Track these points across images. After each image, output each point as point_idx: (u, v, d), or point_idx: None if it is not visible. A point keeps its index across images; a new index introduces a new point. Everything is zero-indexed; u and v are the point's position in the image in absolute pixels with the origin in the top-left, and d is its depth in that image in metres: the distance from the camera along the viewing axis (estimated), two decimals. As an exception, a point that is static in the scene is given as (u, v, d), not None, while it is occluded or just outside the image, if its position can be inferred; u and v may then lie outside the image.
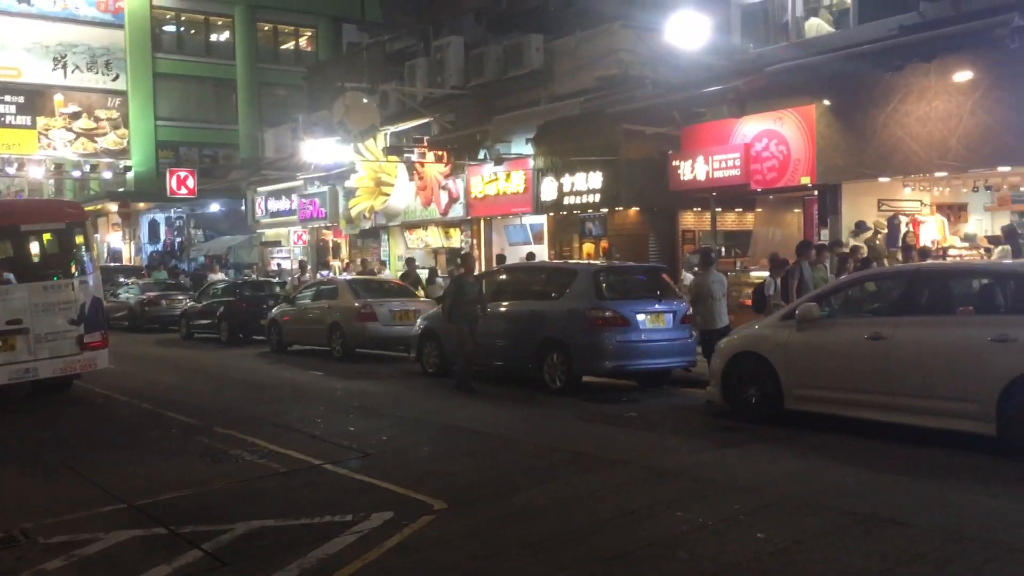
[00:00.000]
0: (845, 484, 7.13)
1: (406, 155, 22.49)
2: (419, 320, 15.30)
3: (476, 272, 13.26)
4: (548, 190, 19.84)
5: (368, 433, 9.80)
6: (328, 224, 29.07)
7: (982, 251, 15.06)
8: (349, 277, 21.61)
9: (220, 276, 27.54)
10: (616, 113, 17.10)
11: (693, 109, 16.86)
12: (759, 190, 16.09)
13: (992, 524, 5.96)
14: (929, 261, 12.22)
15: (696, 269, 15.34)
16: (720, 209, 17.68)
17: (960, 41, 12.46)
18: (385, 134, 24.47)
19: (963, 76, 13.11)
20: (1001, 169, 13.72)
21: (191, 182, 35.73)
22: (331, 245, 30.15)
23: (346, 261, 28.22)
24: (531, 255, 19.53)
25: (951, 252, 15.22)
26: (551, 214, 20.45)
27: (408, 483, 7.43)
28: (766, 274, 13.16)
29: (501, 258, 21.02)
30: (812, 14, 15.97)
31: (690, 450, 8.64)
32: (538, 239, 21.63)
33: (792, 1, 15.81)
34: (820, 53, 14.35)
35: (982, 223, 16.46)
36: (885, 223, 15.36)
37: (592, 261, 17.74)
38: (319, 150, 24.69)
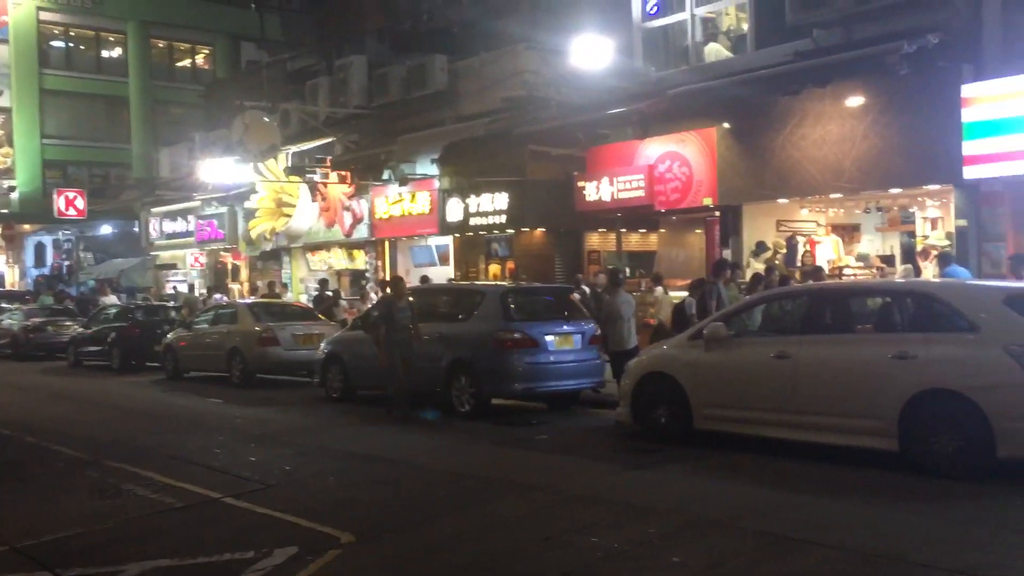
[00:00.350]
0: (757, 504, 7.14)
1: (308, 175, 22.06)
2: (323, 344, 14.92)
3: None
4: (454, 211, 19.71)
5: (270, 463, 9.42)
6: (227, 246, 28.28)
7: (874, 270, 15.58)
8: (249, 300, 21.03)
9: (112, 300, 26.46)
10: (522, 134, 17.12)
11: (597, 131, 17.02)
12: (663, 211, 16.30)
13: (903, 541, 6.02)
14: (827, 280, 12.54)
15: (584, 287, 15.43)
16: (625, 230, 17.86)
17: (852, 67, 12.86)
18: (287, 154, 23.96)
19: (856, 101, 13.56)
20: (892, 191, 14.21)
21: (80, 203, 34.31)
22: (230, 267, 29.32)
23: (246, 283, 27.50)
24: (425, 278, 19.38)
25: (846, 272, 15.69)
26: (457, 235, 20.33)
27: (314, 515, 7.12)
28: (656, 290, 13.29)
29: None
30: (711, 39, 16.33)
31: (602, 473, 8.57)
32: (444, 260, 21.47)
33: (691, 26, 16.13)
34: (719, 77, 14.66)
35: (874, 243, 17.05)
36: (784, 243, 15.75)
37: (499, 282, 17.66)
38: (217, 170, 24.01)
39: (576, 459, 9.30)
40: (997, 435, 7.30)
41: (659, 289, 15.01)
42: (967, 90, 12.21)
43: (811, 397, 8.45)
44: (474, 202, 19.21)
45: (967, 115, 12.18)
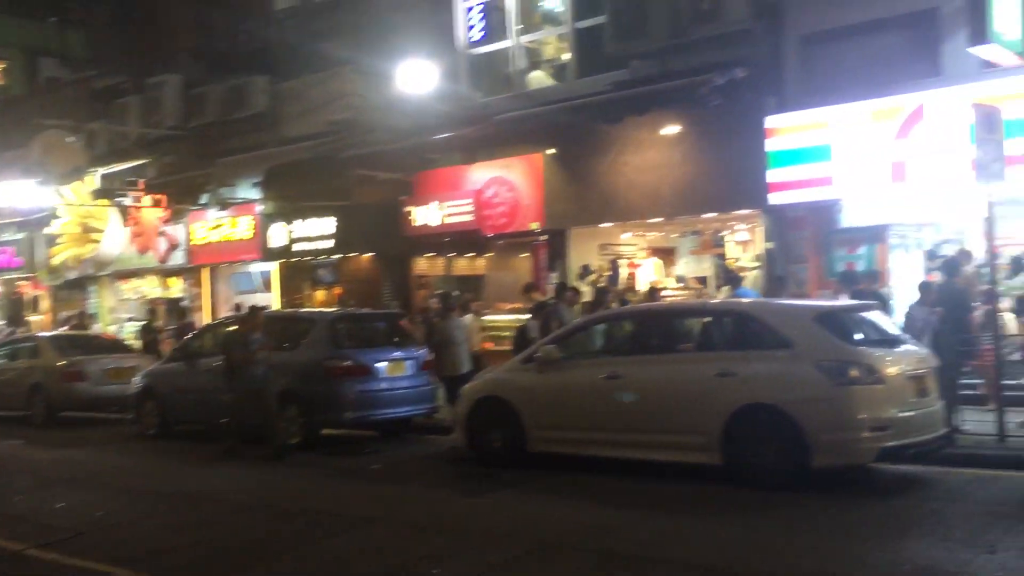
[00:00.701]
0: (595, 524, 7.22)
1: (118, 199, 20.85)
2: (136, 377, 14.07)
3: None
4: (278, 236, 19.17)
5: (80, 508, 8.71)
6: (25, 274, 26.25)
7: (692, 291, 16.31)
8: (51, 334, 19.57)
9: None
10: (348, 158, 16.86)
11: (425, 155, 17.00)
12: (491, 235, 16.45)
13: (735, 553, 6.24)
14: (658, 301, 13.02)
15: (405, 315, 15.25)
16: (454, 254, 17.90)
17: (668, 97, 13.46)
18: (95, 176, 22.54)
19: (672, 130, 14.20)
20: (706, 215, 14.94)
21: None
22: (29, 298, 27.20)
23: (47, 314, 25.58)
24: (238, 307, 18.78)
25: (665, 293, 16.34)
26: (281, 261, 19.75)
27: (131, 563, 6.63)
28: (465, 316, 13.25)
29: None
30: (534, 67, 16.68)
31: (439, 501, 8.46)
32: (267, 287, 20.78)
33: (515, 54, 16.42)
34: (543, 104, 14.99)
35: (690, 265, 17.88)
36: (608, 266, 16.24)
37: (326, 309, 17.26)
38: (14, 193, 22.22)
39: (412, 488, 9.14)
40: (812, 446, 7.74)
41: (468, 316, 14.55)
42: (771, 121, 13.01)
43: (641, 416, 8.69)
44: (299, 227, 18.75)
45: (771, 144, 12.98)
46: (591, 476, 8.91)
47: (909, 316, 10.04)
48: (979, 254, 11.94)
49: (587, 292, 14.60)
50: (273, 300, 19.92)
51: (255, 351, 11.41)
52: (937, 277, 11.78)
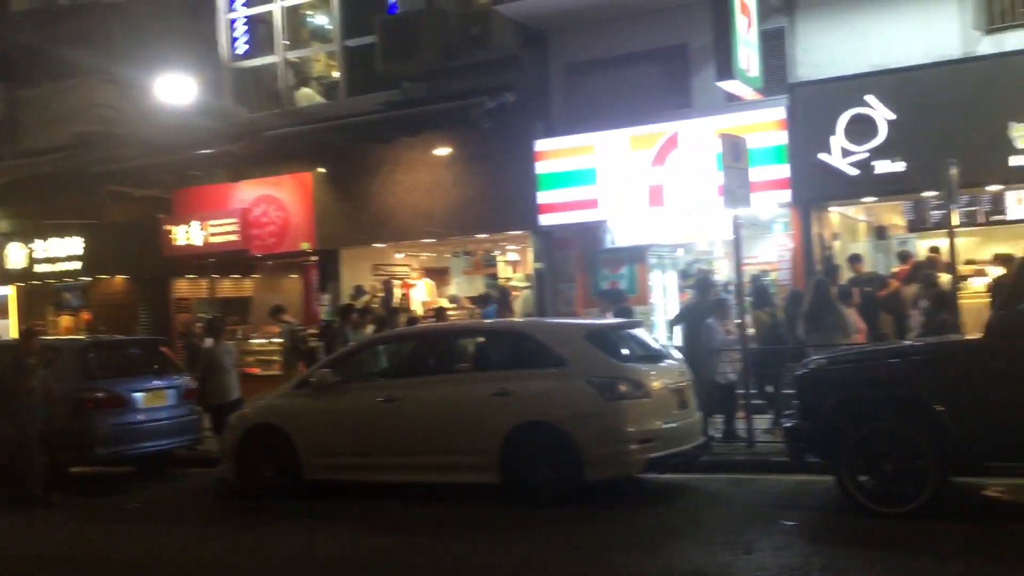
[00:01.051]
0: (371, 553, 7.03)
1: None
2: None
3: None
4: (16, 257, 17.56)
5: None
6: None
7: (465, 311, 16.46)
8: None
9: None
10: (98, 173, 15.67)
11: (186, 171, 16.13)
12: (260, 256, 15.86)
13: (518, 574, 6.27)
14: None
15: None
16: (217, 275, 17.07)
17: (439, 119, 13.57)
18: None
19: (444, 151, 14.31)
20: (478, 236, 15.17)
21: None
22: None
23: None
24: None
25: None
26: (19, 284, 18.05)
27: None
28: (206, 341, 12.63)
29: None
30: (303, 84, 16.31)
31: (206, 539, 7.93)
32: (2, 313, 18.88)
33: (283, 70, 15.98)
34: (313, 122, 14.65)
35: (462, 285, 18.06)
36: (381, 287, 16.07)
37: (75, 336, 15.92)
38: None
39: (175, 526, 8.55)
40: (585, 461, 7.94)
41: (208, 340, 13.47)
42: (540, 145, 13.45)
43: (419, 438, 8.61)
44: (40, 247, 17.28)
45: (540, 168, 13.42)
46: (371, 503, 8.71)
47: (709, 329, 10.58)
48: (725, 274, 12.93)
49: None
50: (10, 327, 18.14)
51: (31, 378, 9.99)
52: (689, 295, 12.61)
